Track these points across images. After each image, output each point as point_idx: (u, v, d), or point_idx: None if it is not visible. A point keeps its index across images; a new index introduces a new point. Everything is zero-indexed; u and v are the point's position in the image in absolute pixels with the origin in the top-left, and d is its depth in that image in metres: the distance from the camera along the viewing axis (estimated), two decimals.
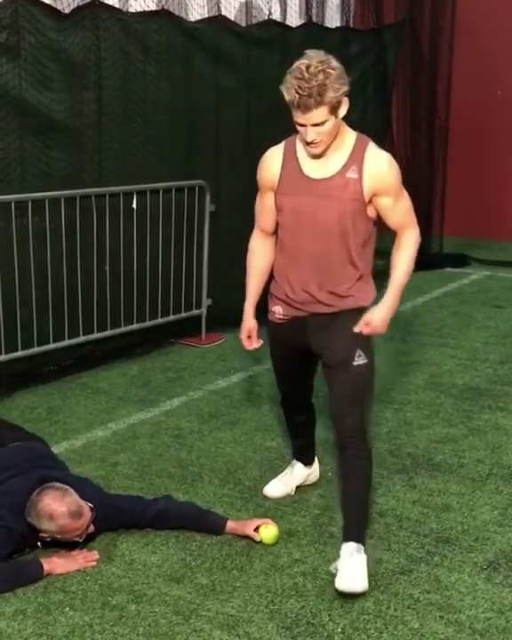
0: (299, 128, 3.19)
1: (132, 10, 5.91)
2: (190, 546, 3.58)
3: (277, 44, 6.70)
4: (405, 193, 3.38)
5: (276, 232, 3.50)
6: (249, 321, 3.62)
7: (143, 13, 5.80)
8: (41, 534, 3.40)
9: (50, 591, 3.25)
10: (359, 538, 3.35)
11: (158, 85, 5.85)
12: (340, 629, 3.06)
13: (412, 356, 5.93)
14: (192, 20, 6.41)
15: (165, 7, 5.87)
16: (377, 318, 3.34)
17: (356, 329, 3.35)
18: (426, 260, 5.94)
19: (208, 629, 3.04)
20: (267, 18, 6.95)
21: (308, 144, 3.21)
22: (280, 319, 3.53)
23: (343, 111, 3.17)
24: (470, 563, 3.50)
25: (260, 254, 3.58)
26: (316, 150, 3.23)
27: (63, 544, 3.44)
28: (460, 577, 3.40)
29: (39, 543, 3.45)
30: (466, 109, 9.82)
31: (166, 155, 5.99)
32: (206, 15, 6.57)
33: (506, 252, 9.76)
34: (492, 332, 6.83)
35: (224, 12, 6.40)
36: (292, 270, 3.41)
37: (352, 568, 3.26)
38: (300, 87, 3.05)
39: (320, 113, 3.10)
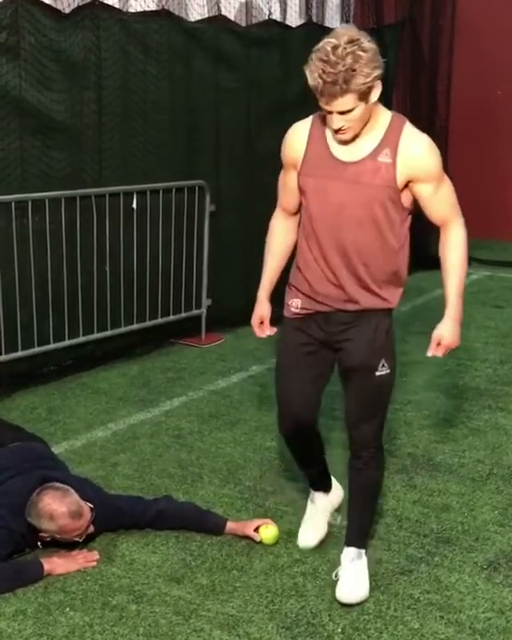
0: (325, 114, 2.87)
1: (132, 10, 5.91)
2: (190, 546, 3.58)
3: (277, 43, 6.68)
4: (448, 180, 3.03)
5: (298, 212, 3.18)
6: (262, 306, 3.30)
7: (143, 13, 5.80)
8: (41, 534, 3.40)
9: (50, 591, 3.25)
10: (361, 543, 3.34)
11: (158, 85, 5.85)
12: (339, 629, 3.06)
13: (412, 355, 5.91)
14: (192, 20, 6.41)
15: (165, 7, 5.87)
16: (447, 336, 3.07)
17: (430, 353, 3.08)
18: (426, 259, 5.92)
19: (208, 629, 3.04)
20: (267, 18, 6.94)
21: (335, 132, 2.89)
22: (297, 314, 3.18)
23: (375, 96, 2.81)
24: (470, 563, 3.50)
25: (279, 235, 3.25)
26: (344, 137, 2.90)
27: (63, 544, 3.44)
28: (460, 577, 3.40)
29: (39, 543, 3.45)
30: (466, 109, 9.82)
31: (166, 155, 5.98)
32: (206, 15, 6.56)
33: (507, 252, 9.76)
34: (491, 332, 6.83)
35: (224, 12, 6.40)
36: (316, 259, 3.08)
37: (352, 576, 3.25)
38: (324, 71, 2.69)
39: (347, 101, 2.75)
